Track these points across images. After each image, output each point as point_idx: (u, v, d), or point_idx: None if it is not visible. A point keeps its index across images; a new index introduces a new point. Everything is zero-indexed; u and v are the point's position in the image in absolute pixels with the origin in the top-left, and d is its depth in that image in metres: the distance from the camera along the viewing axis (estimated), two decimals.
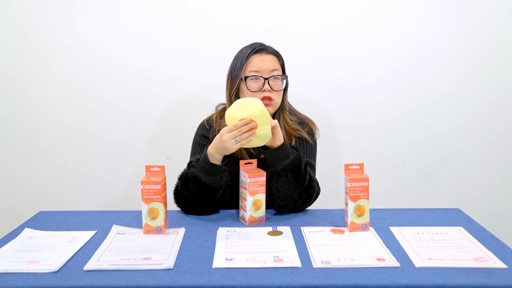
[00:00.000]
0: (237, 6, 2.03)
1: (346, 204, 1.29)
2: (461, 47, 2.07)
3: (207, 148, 1.38)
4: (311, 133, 1.60)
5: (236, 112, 1.31)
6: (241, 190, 1.38)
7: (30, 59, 2.06)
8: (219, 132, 1.50)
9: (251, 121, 1.30)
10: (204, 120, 1.61)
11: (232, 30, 2.02)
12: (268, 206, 1.40)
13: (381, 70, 2.09)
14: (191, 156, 1.58)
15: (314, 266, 1.05)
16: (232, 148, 1.32)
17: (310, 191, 1.43)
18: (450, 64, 2.08)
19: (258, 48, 1.52)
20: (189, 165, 1.41)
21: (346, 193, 1.28)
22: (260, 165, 1.41)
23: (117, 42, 2.05)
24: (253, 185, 1.33)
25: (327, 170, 2.05)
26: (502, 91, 2.10)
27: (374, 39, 2.06)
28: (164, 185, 1.29)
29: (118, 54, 2.06)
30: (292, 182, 1.39)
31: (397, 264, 1.06)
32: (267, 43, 1.57)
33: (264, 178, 1.35)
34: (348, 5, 2.04)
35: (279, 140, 1.37)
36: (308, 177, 1.42)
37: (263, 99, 1.46)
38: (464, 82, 2.10)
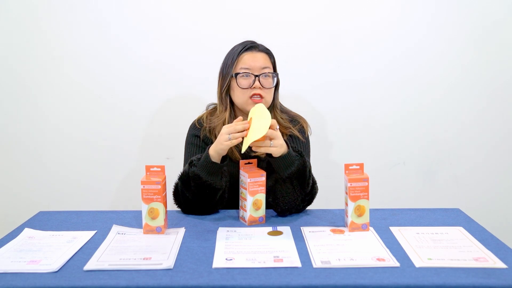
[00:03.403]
0: (232, 5, 2.03)
1: (346, 204, 1.29)
2: (461, 46, 2.07)
3: (208, 148, 1.39)
4: (302, 131, 1.60)
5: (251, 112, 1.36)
6: (241, 190, 1.38)
7: (29, 60, 2.06)
8: (209, 131, 1.53)
9: (249, 122, 1.31)
10: (195, 120, 1.61)
11: (231, 29, 2.02)
12: (270, 208, 1.41)
13: (380, 70, 2.09)
14: (185, 157, 1.58)
15: (314, 266, 1.05)
16: (225, 143, 1.32)
17: (313, 193, 1.44)
18: (450, 63, 2.09)
19: (249, 46, 1.53)
20: (190, 164, 1.42)
21: (346, 193, 1.28)
22: (265, 169, 1.41)
23: (115, 42, 2.05)
24: (253, 185, 1.33)
25: (327, 170, 2.05)
26: (502, 91, 2.10)
27: (372, 39, 2.06)
28: (164, 185, 1.29)
29: (118, 54, 2.06)
30: (298, 189, 1.39)
31: (397, 264, 1.06)
32: (260, 41, 1.57)
33: (264, 178, 1.35)
34: (346, 4, 2.04)
35: (286, 148, 1.35)
36: (311, 182, 1.42)
37: (253, 96, 1.47)
38: (464, 82, 2.10)
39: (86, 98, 2.09)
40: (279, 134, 1.33)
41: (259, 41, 1.57)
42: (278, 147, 1.32)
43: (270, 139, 1.31)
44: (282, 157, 1.35)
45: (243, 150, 1.30)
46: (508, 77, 2.10)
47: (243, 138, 1.32)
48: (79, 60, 2.06)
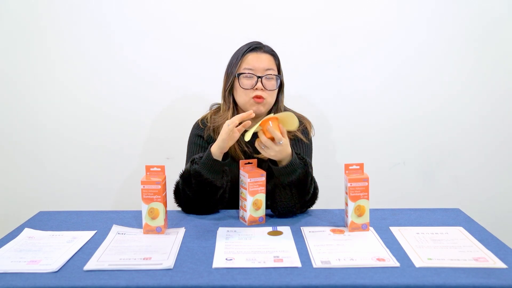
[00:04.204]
0: (236, 5, 2.03)
1: (346, 204, 1.29)
2: (461, 47, 2.07)
3: (211, 146, 1.39)
4: (306, 132, 1.59)
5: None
6: (241, 190, 1.38)
7: (30, 60, 2.06)
8: (213, 130, 1.52)
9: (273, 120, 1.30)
10: (198, 120, 1.61)
11: (232, 29, 2.03)
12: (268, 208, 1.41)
13: (380, 70, 2.09)
14: (187, 157, 1.58)
15: (314, 266, 1.05)
16: (223, 133, 1.32)
17: (314, 199, 1.45)
18: (450, 63, 2.09)
19: (255, 46, 1.53)
20: (192, 161, 1.42)
21: (346, 193, 1.28)
22: (267, 171, 1.40)
23: (116, 42, 2.05)
24: (253, 185, 1.33)
25: (327, 170, 2.05)
26: (502, 91, 2.10)
27: (372, 39, 2.06)
28: (164, 185, 1.29)
29: (117, 55, 2.06)
30: (296, 197, 1.38)
31: (397, 264, 1.06)
32: (266, 42, 1.57)
33: (264, 178, 1.35)
34: (347, 5, 2.04)
35: (287, 154, 1.34)
36: (312, 190, 1.42)
37: (255, 97, 1.47)
38: (464, 82, 2.10)
39: (87, 98, 2.09)
40: (272, 145, 1.30)
41: (263, 41, 1.57)
42: (270, 153, 1.31)
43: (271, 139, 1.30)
44: (284, 166, 1.35)
45: (246, 137, 1.28)
46: (508, 78, 2.09)
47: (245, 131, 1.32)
48: (80, 60, 2.06)
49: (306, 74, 2.08)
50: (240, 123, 1.33)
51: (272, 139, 1.30)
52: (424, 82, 2.10)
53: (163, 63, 2.07)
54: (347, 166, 1.29)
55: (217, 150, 1.37)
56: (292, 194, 1.38)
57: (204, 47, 2.05)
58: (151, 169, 1.29)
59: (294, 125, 1.32)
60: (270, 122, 1.28)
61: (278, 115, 1.31)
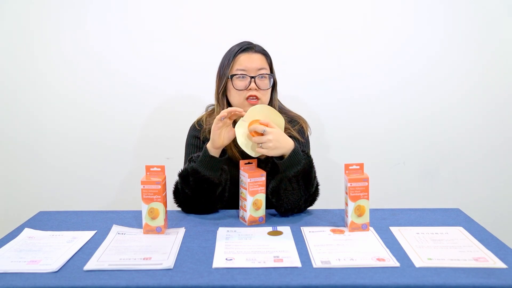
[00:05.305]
0: (232, 5, 2.03)
1: (346, 204, 1.29)
2: (461, 47, 2.07)
3: (207, 144, 1.40)
4: (302, 131, 1.59)
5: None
6: (241, 190, 1.38)
7: (29, 59, 2.06)
8: (209, 132, 1.53)
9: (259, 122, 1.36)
10: (195, 121, 1.62)
11: (228, 29, 2.03)
12: (271, 208, 1.41)
13: (380, 70, 2.09)
14: (185, 159, 1.59)
15: (314, 266, 1.05)
16: (214, 124, 1.35)
17: (316, 194, 1.45)
18: (450, 63, 2.09)
19: (246, 47, 1.52)
20: (189, 160, 1.43)
21: (346, 193, 1.28)
22: (269, 170, 1.40)
23: (116, 43, 2.05)
24: (253, 185, 1.33)
25: (327, 170, 2.05)
26: (502, 91, 2.10)
27: (371, 38, 2.07)
28: (164, 185, 1.29)
29: (116, 55, 2.06)
30: (302, 189, 1.39)
31: (397, 264, 1.06)
32: (261, 42, 1.57)
33: (264, 178, 1.35)
34: (343, 5, 2.04)
35: (290, 145, 1.36)
36: (315, 183, 1.42)
37: (249, 97, 1.47)
38: (464, 82, 2.10)
39: (86, 98, 2.09)
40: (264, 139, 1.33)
41: (257, 41, 1.57)
42: (269, 145, 1.32)
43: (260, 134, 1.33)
44: (288, 156, 1.35)
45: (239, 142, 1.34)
46: (508, 78, 2.09)
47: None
48: (79, 60, 2.06)
49: (305, 74, 2.08)
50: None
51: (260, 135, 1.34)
52: (424, 83, 2.10)
53: (163, 63, 2.07)
54: (347, 166, 1.29)
55: (210, 145, 1.38)
56: (299, 186, 1.38)
57: (203, 47, 2.05)
58: (151, 169, 1.29)
59: (270, 114, 1.38)
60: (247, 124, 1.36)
61: (250, 112, 1.36)
